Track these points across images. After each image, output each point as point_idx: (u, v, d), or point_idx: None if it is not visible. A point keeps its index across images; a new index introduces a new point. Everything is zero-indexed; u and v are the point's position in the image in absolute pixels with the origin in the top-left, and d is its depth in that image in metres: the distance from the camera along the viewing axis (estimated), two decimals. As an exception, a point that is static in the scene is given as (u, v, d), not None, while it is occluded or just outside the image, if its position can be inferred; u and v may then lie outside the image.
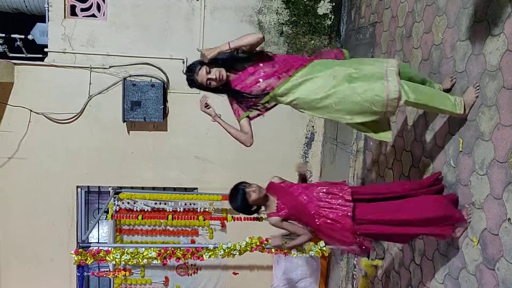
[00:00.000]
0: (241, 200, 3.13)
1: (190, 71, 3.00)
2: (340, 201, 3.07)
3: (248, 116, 3.07)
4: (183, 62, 5.86)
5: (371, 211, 3.07)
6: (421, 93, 2.93)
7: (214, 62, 2.96)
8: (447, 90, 3.30)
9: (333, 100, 2.92)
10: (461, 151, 3.15)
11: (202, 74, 2.94)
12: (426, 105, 2.96)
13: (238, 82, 3.04)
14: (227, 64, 3.02)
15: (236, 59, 3.04)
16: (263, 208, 3.24)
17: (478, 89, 3.00)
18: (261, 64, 3.03)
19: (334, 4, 6.08)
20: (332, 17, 6.09)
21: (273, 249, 4.39)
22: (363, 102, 2.87)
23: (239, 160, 6.00)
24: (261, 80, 3.01)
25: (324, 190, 3.13)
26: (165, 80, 5.86)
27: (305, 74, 2.98)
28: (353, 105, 2.90)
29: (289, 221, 3.21)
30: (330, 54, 3.18)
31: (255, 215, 3.14)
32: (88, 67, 5.75)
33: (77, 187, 6.10)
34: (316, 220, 3.06)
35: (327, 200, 3.08)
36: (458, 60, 3.26)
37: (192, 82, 3.02)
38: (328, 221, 3.04)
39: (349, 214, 3.01)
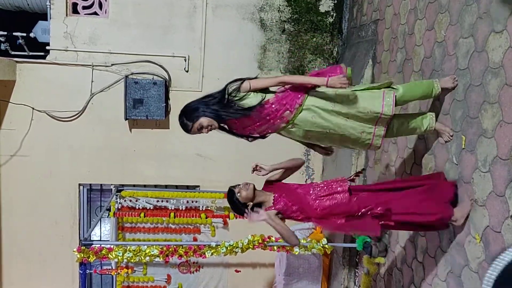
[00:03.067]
0: (232, 202, 3.16)
1: (183, 126, 3.03)
2: (337, 187, 3.09)
3: None
4: (185, 60, 5.86)
5: (373, 198, 3.08)
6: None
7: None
8: (448, 90, 3.32)
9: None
10: (463, 148, 3.14)
11: (194, 131, 3.01)
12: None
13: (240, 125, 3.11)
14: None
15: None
16: (250, 204, 3.21)
17: (456, 81, 3.27)
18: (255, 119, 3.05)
19: (336, 1, 6.07)
20: (334, 14, 6.08)
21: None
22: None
23: (241, 158, 5.99)
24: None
25: (321, 184, 3.16)
26: (167, 77, 5.86)
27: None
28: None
29: (284, 218, 3.20)
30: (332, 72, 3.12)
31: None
32: (90, 65, 5.75)
33: (79, 185, 6.11)
34: (316, 208, 3.05)
35: (324, 188, 3.10)
36: (460, 57, 3.25)
37: (186, 132, 3.07)
38: (328, 203, 3.05)
39: (345, 189, 3.06)
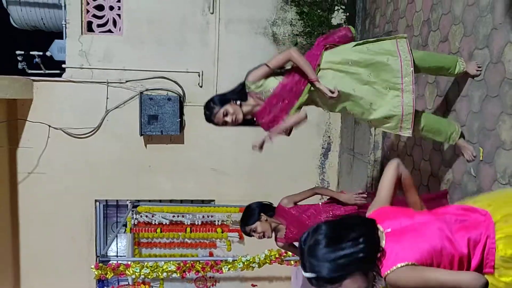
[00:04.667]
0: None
1: (209, 109, 3.12)
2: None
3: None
4: (199, 75, 5.91)
5: None
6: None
7: (233, 99, 3.09)
8: (468, 75, 3.26)
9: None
10: (481, 160, 3.11)
11: (219, 117, 3.09)
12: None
13: (265, 115, 3.12)
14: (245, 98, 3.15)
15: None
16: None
17: (479, 69, 3.16)
18: (280, 92, 3.08)
19: (348, 14, 6.08)
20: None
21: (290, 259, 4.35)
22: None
23: (255, 172, 6.00)
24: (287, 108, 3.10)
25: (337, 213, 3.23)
26: (181, 93, 5.91)
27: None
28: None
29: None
30: (338, 36, 3.20)
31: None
32: (105, 82, 5.82)
33: (96, 201, 6.15)
34: None
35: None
36: (476, 69, 3.23)
37: (209, 120, 3.16)
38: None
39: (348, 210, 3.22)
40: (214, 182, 6.16)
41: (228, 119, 3.08)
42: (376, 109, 3.07)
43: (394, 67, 3.00)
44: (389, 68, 3.01)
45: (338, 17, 6.07)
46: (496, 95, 2.98)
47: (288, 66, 3.14)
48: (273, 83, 3.08)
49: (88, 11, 5.82)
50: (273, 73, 3.08)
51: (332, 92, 2.97)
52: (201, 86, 5.96)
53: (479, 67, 3.17)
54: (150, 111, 5.74)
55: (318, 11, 6.01)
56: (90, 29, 5.86)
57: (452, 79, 3.54)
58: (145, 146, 6.04)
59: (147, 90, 5.86)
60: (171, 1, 5.90)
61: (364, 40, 3.16)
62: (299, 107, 3.12)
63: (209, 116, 3.13)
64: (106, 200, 6.24)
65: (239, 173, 6.10)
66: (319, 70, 3.06)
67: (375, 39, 3.19)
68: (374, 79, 3.02)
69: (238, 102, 3.10)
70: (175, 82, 5.90)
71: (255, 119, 3.18)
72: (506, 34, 2.90)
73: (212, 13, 5.91)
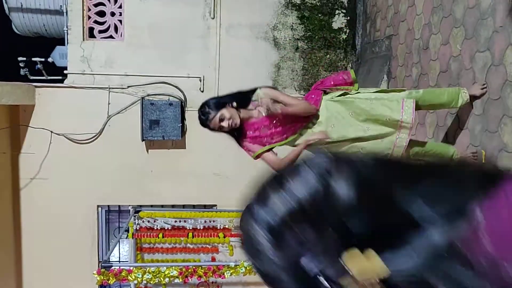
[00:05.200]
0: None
1: (204, 114, 2.97)
2: None
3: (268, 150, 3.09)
4: (200, 80, 5.91)
5: None
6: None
7: (229, 103, 2.98)
8: (476, 97, 3.23)
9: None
10: (483, 163, 3.10)
11: (215, 122, 2.94)
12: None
13: (252, 129, 3.05)
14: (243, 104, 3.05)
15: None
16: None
17: (485, 87, 3.12)
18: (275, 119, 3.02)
19: (348, 18, 6.09)
20: (347, 31, 6.10)
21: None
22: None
23: (257, 176, 5.99)
24: (274, 137, 3.05)
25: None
26: (183, 98, 5.91)
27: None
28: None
29: None
30: (336, 80, 3.14)
31: None
32: (107, 88, 5.83)
33: (98, 206, 6.15)
34: None
35: None
36: (477, 71, 3.23)
37: (204, 125, 3.02)
38: None
39: None
40: (216, 187, 6.16)
41: (225, 124, 2.92)
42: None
43: (393, 125, 2.99)
44: (388, 123, 2.99)
45: (339, 21, 6.08)
46: (498, 98, 2.98)
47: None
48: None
49: (89, 17, 5.84)
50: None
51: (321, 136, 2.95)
52: (202, 91, 5.96)
53: (483, 85, 3.14)
54: (152, 116, 5.74)
55: (319, 15, 6.02)
56: (91, 35, 5.87)
57: (454, 82, 3.53)
58: (147, 151, 6.04)
59: (148, 95, 5.87)
60: (172, 7, 5.91)
61: (369, 90, 3.15)
62: (288, 142, 3.09)
63: (205, 121, 2.97)
64: (108, 206, 6.24)
65: (241, 178, 6.05)
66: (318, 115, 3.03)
67: (380, 89, 3.19)
68: (372, 132, 3.00)
69: (235, 105, 2.97)
70: (176, 87, 5.91)
71: (243, 128, 3.07)
72: (508, 36, 2.90)
73: (213, 18, 5.92)
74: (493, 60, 3.05)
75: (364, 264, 0.96)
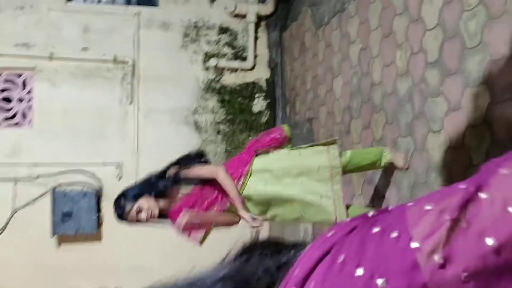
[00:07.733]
0: None
1: (120, 207, 2.77)
2: None
3: None
4: (117, 167, 5.60)
5: None
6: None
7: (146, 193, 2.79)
8: (398, 168, 3.25)
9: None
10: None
11: (132, 215, 2.74)
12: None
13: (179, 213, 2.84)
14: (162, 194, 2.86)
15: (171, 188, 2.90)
16: None
17: (408, 163, 3.13)
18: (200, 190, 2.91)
19: (269, 101, 6.16)
20: (268, 113, 6.15)
21: None
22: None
23: (185, 264, 5.62)
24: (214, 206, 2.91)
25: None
26: (99, 187, 5.53)
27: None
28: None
29: None
30: (271, 138, 3.11)
31: None
32: (12, 179, 5.34)
33: (2, 312, 5.41)
34: None
35: None
36: (401, 156, 3.26)
37: (121, 219, 2.81)
38: None
39: None
40: (138, 282, 5.66)
41: (143, 215, 2.71)
42: (307, 217, 3.00)
43: (324, 176, 2.95)
44: (319, 177, 2.95)
45: (259, 104, 6.14)
46: (424, 181, 2.99)
47: None
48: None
49: (-6, 104, 5.44)
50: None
51: (254, 219, 2.83)
52: (120, 178, 5.63)
53: (408, 160, 3.16)
54: (64, 207, 5.30)
55: (239, 99, 6.05)
56: (-4, 122, 5.45)
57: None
58: (59, 245, 5.50)
59: (60, 185, 5.43)
60: (86, 91, 5.66)
61: (298, 147, 3.14)
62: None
63: (121, 215, 2.76)
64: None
65: (165, 270, 5.67)
66: (250, 175, 2.94)
67: (308, 145, 3.16)
68: (306, 187, 2.94)
69: (153, 194, 2.77)
70: (92, 174, 5.54)
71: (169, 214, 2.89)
72: (426, 123, 2.97)
73: (131, 103, 5.74)
74: (416, 145, 3.09)
75: None
